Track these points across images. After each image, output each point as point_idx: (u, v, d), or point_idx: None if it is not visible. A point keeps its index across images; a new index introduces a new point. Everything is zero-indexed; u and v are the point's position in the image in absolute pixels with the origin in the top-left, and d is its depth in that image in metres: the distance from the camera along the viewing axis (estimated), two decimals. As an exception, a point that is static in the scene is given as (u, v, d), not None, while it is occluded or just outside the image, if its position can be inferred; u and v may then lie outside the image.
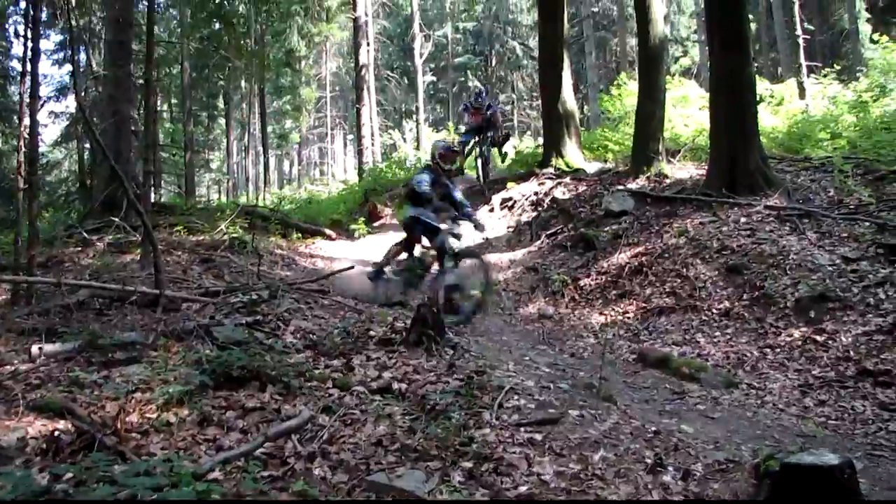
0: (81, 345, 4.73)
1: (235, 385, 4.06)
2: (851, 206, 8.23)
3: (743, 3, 9.25)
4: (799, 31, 17.38)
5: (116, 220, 9.70)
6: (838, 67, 19.01)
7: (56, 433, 3.29)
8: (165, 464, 2.83)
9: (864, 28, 25.94)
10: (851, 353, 5.75)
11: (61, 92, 21.24)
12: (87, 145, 16.99)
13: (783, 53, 26.17)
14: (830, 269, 6.89)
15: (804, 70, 16.71)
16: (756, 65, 17.02)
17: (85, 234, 9.95)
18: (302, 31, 26.59)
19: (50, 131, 22.47)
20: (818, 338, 6.06)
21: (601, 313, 7.87)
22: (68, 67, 21.61)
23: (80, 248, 9.63)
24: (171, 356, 4.56)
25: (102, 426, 3.34)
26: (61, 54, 22.14)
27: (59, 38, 21.55)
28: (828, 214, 8.00)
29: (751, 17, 18.52)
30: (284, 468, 3.15)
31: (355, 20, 22.75)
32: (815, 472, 2.76)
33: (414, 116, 34.78)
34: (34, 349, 4.65)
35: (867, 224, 7.58)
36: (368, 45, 24.83)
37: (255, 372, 4.13)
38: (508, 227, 11.70)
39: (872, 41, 19.76)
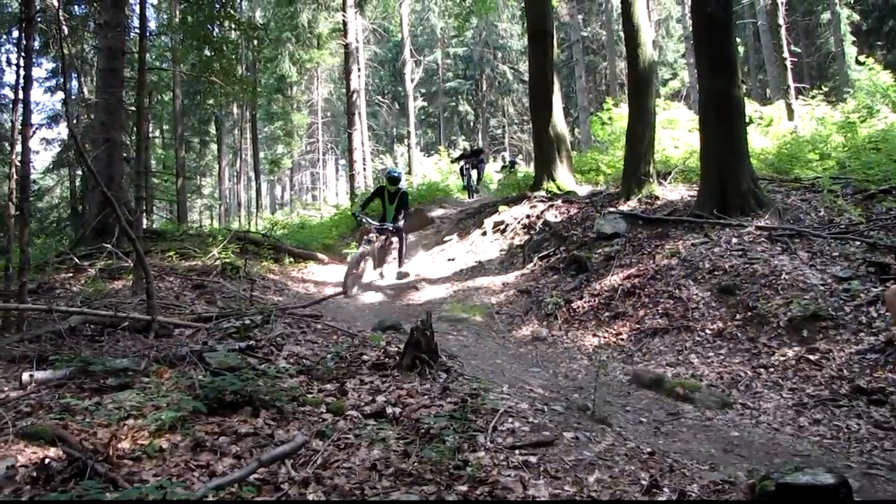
0: (73, 371, 4.69)
1: (228, 410, 4.03)
2: (842, 226, 8.28)
3: (730, 27, 9.35)
4: (786, 54, 17.55)
5: (108, 246, 9.67)
6: (826, 89, 19.29)
7: (47, 461, 3.25)
8: (158, 490, 2.79)
9: (850, 50, 26.42)
10: (845, 371, 5.76)
11: (53, 119, 21.41)
12: (79, 172, 17.04)
13: (771, 75, 26.48)
14: (822, 288, 6.91)
15: (792, 92, 16.88)
16: (745, 87, 17.20)
17: (76, 261, 9.91)
18: (293, 58, 26.89)
19: (42, 158, 22.62)
20: (811, 357, 6.06)
21: (594, 335, 7.86)
22: (60, 95, 21.81)
23: (71, 275, 9.58)
24: (163, 382, 4.53)
25: (94, 453, 3.31)
26: (53, 82, 22.30)
27: (51, 65, 21.73)
28: (819, 234, 8.04)
29: (738, 40, 18.75)
30: (278, 494, 3.11)
31: (346, 46, 22.90)
32: (811, 492, 2.76)
33: (405, 141, 34.99)
34: (25, 376, 4.60)
35: (858, 243, 7.62)
36: (360, 70, 25.03)
37: (248, 397, 4.10)
38: (501, 251, 11.73)
39: (858, 63, 20.14)
